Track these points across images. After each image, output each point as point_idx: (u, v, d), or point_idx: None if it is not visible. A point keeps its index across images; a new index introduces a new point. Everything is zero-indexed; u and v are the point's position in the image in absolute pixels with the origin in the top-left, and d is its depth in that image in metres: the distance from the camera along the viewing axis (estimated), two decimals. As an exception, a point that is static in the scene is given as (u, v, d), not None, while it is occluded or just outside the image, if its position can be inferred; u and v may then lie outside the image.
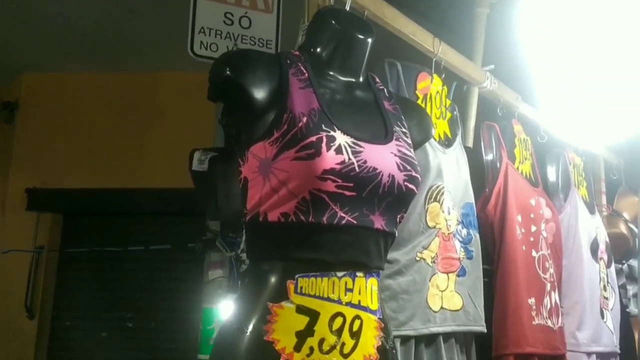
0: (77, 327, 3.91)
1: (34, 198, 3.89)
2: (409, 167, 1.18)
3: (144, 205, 3.82)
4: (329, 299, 1.09)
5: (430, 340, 1.53)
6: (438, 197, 1.60)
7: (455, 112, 1.86)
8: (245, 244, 1.77)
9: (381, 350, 1.14)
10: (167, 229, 3.84)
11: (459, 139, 1.82)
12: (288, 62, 1.19)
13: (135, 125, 3.98)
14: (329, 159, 1.06)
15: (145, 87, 4.00)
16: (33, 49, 3.69)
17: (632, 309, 2.67)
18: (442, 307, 1.56)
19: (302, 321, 1.07)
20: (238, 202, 1.21)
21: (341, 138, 1.10)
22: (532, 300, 1.85)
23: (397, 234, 1.24)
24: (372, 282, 1.15)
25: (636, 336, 2.57)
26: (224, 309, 2.16)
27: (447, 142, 1.77)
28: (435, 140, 1.68)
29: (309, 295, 1.08)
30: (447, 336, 1.58)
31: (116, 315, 3.88)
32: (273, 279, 1.09)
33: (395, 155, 1.18)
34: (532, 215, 1.98)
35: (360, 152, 1.11)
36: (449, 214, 1.63)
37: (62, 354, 3.86)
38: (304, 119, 1.10)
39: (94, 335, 3.85)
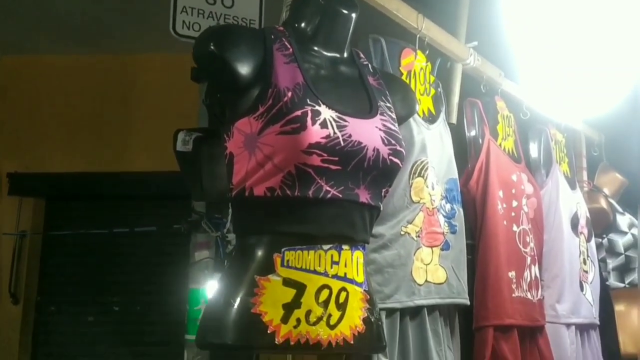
0: (62, 311, 3.87)
1: (15, 183, 3.82)
2: (393, 142, 1.20)
3: (128, 188, 3.77)
4: (315, 272, 1.10)
5: (415, 312, 1.56)
6: (422, 172, 1.62)
7: (439, 89, 1.87)
8: (231, 219, 1.78)
9: (367, 321, 1.17)
10: (152, 211, 3.81)
11: (442, 115, 1.84)
12: (272, 37, 1.19)
13: (118, 107, 3.92)
14: (314, 133, 1.07)
15: (128, 69, 3.93)
16: (12, 32, 3.60)
17: (612, 281, 2.73)
18: (426, 280, 1.58)
19: (289, 293, 1.08)
20: (223, 183, 1.21)
21: (326, 112, 1.11)
22: (512, 274, 1.89)
23: (382, 209, 1.26)
24: (358, 255, 1.17)
25: (615, 308, 2.63)
26: (211, 289, 2.17)
27: (431, 118, 1.78)
28: (419, 116, 1.69)
29: (296, 268, 1.09)
30: (431, 309, 1.60)
31: (102, 299, 3.85)
32: (260, 253, 1.10)
33: (380, 129, 1.19)
34: (513, 191, 2.00)
35: (345, 126, 1.12)
36: (433, 189, 1.65)
37: (48, 339, 3.82)
38: (289, 94, 1.10)
39: (80, 320, 3.82)
